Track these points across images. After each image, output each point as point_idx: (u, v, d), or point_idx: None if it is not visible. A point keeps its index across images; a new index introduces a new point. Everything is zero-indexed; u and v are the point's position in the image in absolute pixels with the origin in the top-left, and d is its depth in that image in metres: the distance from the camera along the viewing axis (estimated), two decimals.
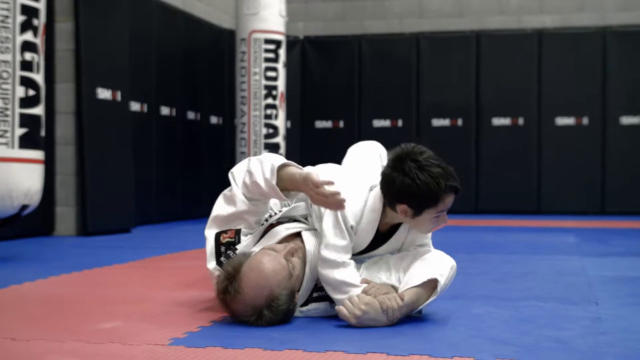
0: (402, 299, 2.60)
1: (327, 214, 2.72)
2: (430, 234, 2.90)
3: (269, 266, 2.56)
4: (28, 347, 2.30)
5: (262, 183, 2.72)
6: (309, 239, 2.78)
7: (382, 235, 2.83)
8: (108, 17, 6.82)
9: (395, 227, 2.84)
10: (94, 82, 6.59)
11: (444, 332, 2.55)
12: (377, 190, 2.77)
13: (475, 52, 10.04)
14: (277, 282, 2.55)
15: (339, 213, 2.69)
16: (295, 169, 2.75)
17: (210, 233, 2.86)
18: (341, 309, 2.59)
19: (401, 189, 2.64)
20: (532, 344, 2.38)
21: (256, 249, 2.73)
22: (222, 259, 2.77)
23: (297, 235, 2.81)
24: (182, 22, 8.70)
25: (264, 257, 2.59)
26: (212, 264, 2.83)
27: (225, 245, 2.80)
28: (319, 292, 2.76)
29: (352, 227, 2.71)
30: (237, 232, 2.81)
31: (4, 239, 5.78)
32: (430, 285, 2.67)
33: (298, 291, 2.68)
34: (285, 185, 2.73)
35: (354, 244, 2.77)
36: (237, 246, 2.79)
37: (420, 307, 2.68)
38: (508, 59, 9.97)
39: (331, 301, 2.73)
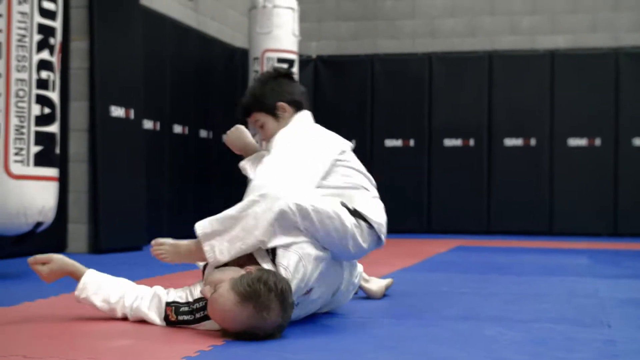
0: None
1: None
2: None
3: (215, 296, 2.68)
4: None
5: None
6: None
7: None
8: (122, 35, 6.88)
9: None
10: (107, 100, 6.63)
11: (455, 354, 2.55)
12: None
13: (487, 73, 10.04)
14: (231, 286, 2.65)
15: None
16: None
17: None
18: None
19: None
20: None
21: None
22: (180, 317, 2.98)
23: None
24: (195, 40, 8.75)
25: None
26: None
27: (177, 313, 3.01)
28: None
29: None
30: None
31: (17, 256, 5.80)
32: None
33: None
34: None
35: None
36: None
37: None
38: (520, 80, 9.97)
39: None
